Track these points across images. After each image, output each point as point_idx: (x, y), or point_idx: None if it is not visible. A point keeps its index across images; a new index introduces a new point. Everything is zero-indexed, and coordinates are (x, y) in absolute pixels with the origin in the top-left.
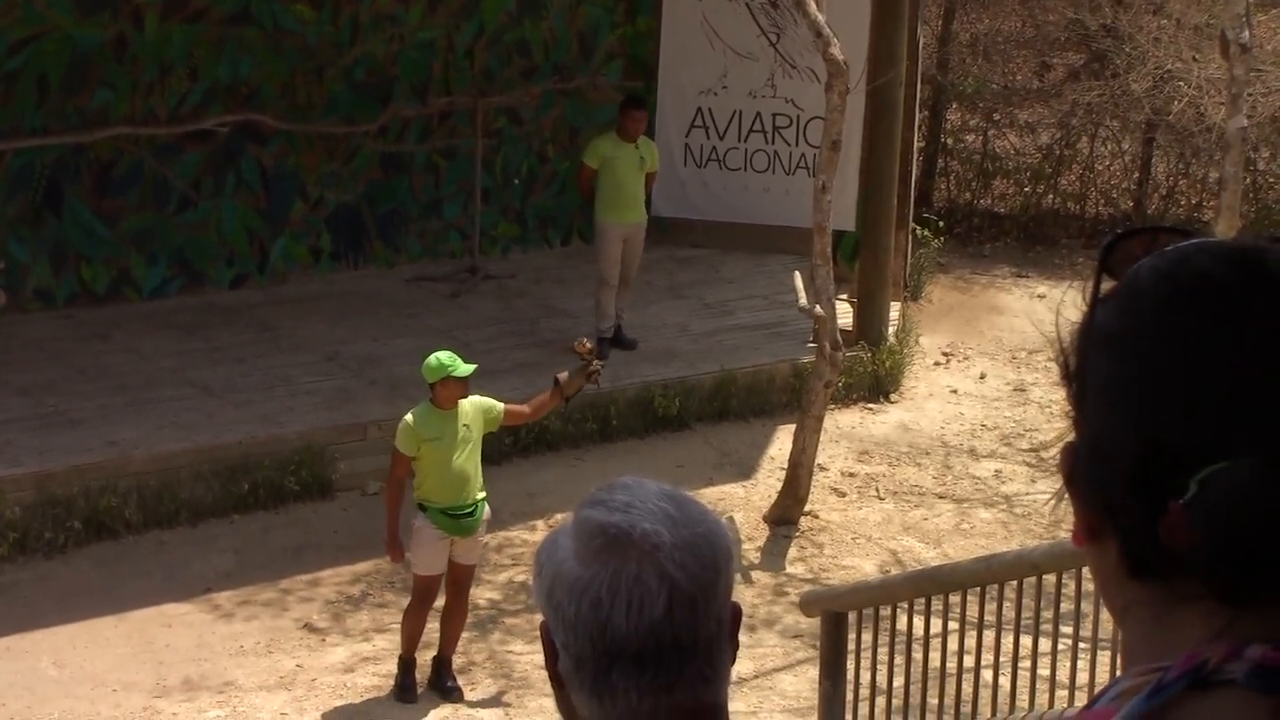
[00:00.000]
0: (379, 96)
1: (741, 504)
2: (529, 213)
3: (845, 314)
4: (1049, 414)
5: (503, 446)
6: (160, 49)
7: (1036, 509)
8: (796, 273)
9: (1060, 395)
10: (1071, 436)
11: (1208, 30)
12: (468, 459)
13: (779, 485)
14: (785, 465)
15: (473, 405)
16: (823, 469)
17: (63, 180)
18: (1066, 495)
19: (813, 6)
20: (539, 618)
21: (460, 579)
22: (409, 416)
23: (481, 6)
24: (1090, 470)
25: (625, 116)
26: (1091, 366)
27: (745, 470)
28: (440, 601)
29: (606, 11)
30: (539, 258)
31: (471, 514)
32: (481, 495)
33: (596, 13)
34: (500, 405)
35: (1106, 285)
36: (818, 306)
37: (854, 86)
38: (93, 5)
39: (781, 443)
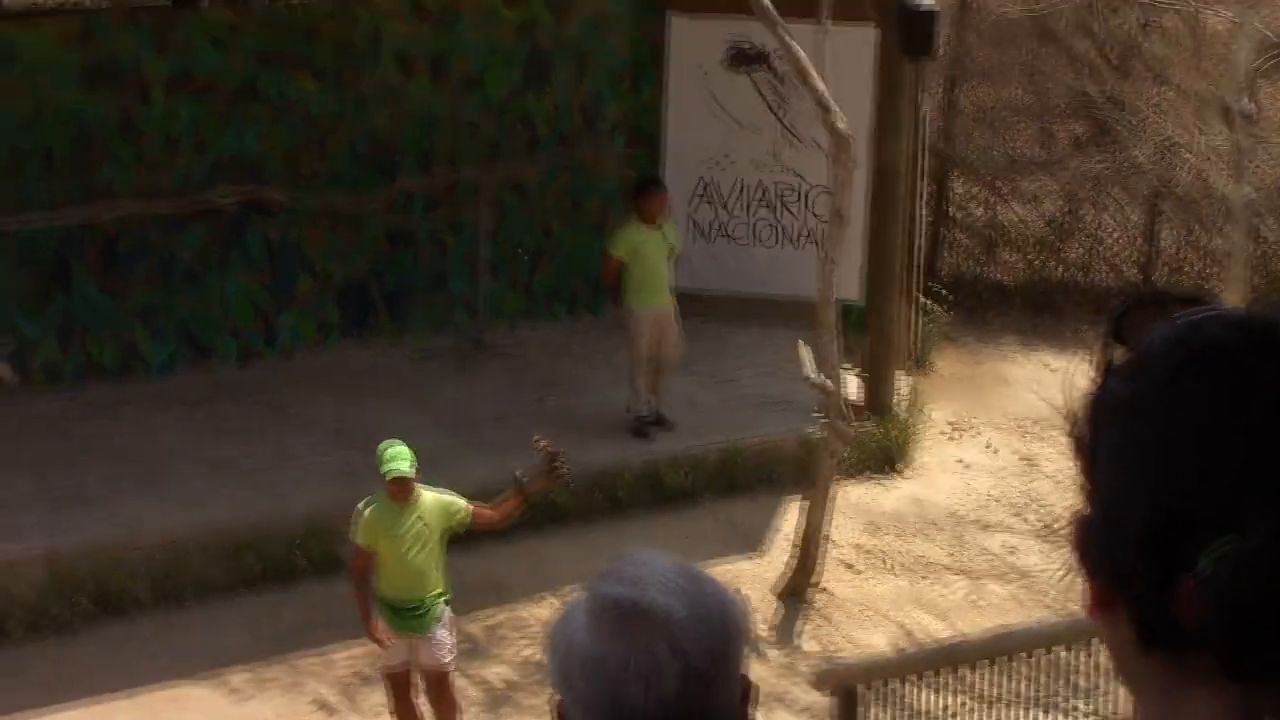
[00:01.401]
0: (384, 170)
1: (751, 578)
2: (535, 286)
3: (853, 386)
4: (1059, 485)
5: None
6: (166, 124)
7: (1049, 582)
8: (803, 345)
9: (1070, 466)
10: (1083, 507)
11: (1211, 99)
12: (423, 556)
13: (789, 559)
14: (795, 539)
15: (436, 502)
16: (832, 542)
17: (70, 256)
18: (1078, 567)
19: (816, 78)
20: (552, 694)
21: (433, 683)
22: (363, 507)
23: (486, 79)
24: (1102, 539)
25: (645, 199)
26: (1103, 435)
27: (754, 544)
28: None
29: (610, 83)
30: (546, 331)
31: (420, 613)
32: (437, 593)
33: (600, 84)
34: (466, 507)
35: (1118, 353)
36: (825, 379)
37: (858, 158)
38: (99, 81)
39: (791, 516)
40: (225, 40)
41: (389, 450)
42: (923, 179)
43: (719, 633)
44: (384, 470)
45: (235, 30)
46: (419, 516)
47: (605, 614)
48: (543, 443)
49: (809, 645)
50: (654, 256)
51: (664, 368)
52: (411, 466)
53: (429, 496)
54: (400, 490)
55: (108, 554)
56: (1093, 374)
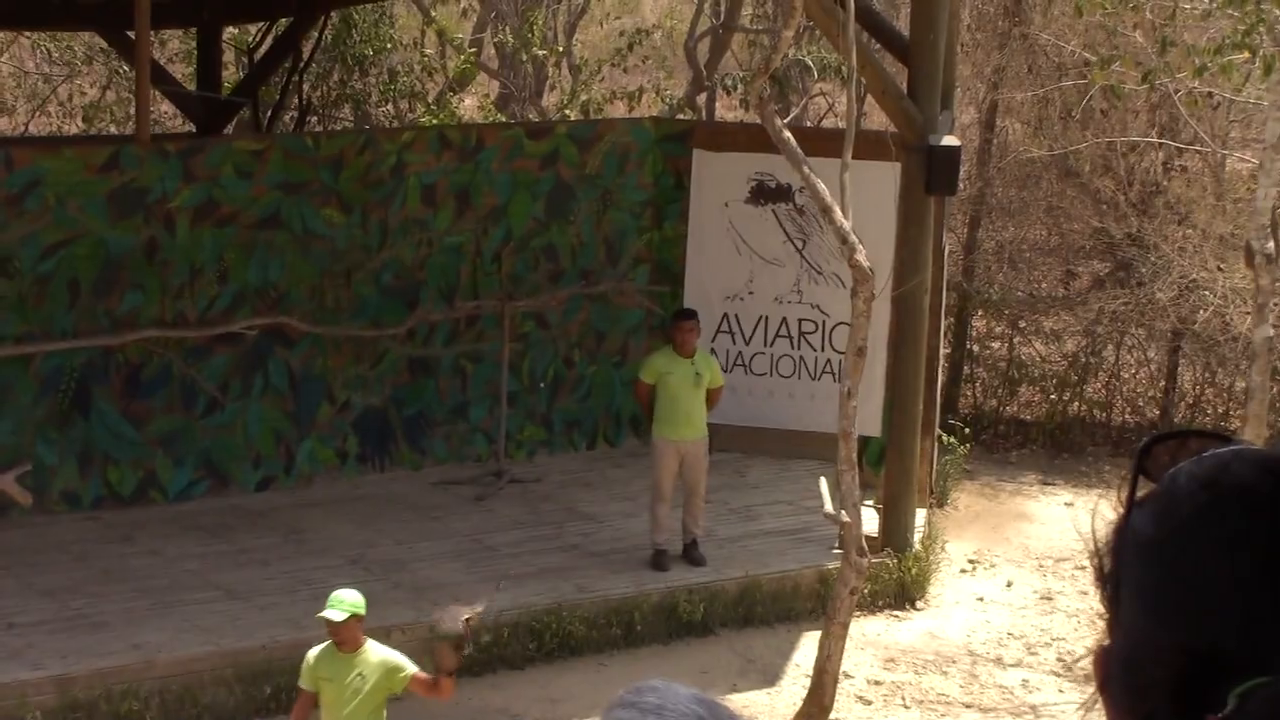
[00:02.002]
0: (407, 300)
1: (766, 711)
2: (555, 416)
3: (871, 520)
4: (1076, 623)
5: (526, 651)
6: (190, 252)
7: (1064, 719)
8: (822, 478)
9: (1090, 603)
10: (1104, 640)
11: (1232, 240)
12: (357, 709)
13: (804, 692)
14: (810, 672)
15: (379, 659)
16: (848, 676)
17: (91, 382)
18: (1099, 702)
19: (839, 214)
20: None
21: None
22: (310, 651)
23: (509, 212)
24: (1125, 678)
25: (675, 329)
26: (1127, 572)
27: (770, 677)
28: None
29: (633, 217)
30: (565, 461)
31: None
32: None
33: (623, 218)
34: (408, 670)
35: (1142, 488)
36: (843, 512)
37: (880, 293)
38: (125, 210)
39: (807, 649)
40: (250, 169)
41: (333, 595)
42: (944, 315)
43: None
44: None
45: (260, 159)
46: (359, 671)
47: None
48: (472, 622)
49: None
50: (677, 386)
51: (691, 496)
52: (347, 611)
53: (375, 653)
54: (334, 635)
55: (121, 679)
56: (1117, 507)
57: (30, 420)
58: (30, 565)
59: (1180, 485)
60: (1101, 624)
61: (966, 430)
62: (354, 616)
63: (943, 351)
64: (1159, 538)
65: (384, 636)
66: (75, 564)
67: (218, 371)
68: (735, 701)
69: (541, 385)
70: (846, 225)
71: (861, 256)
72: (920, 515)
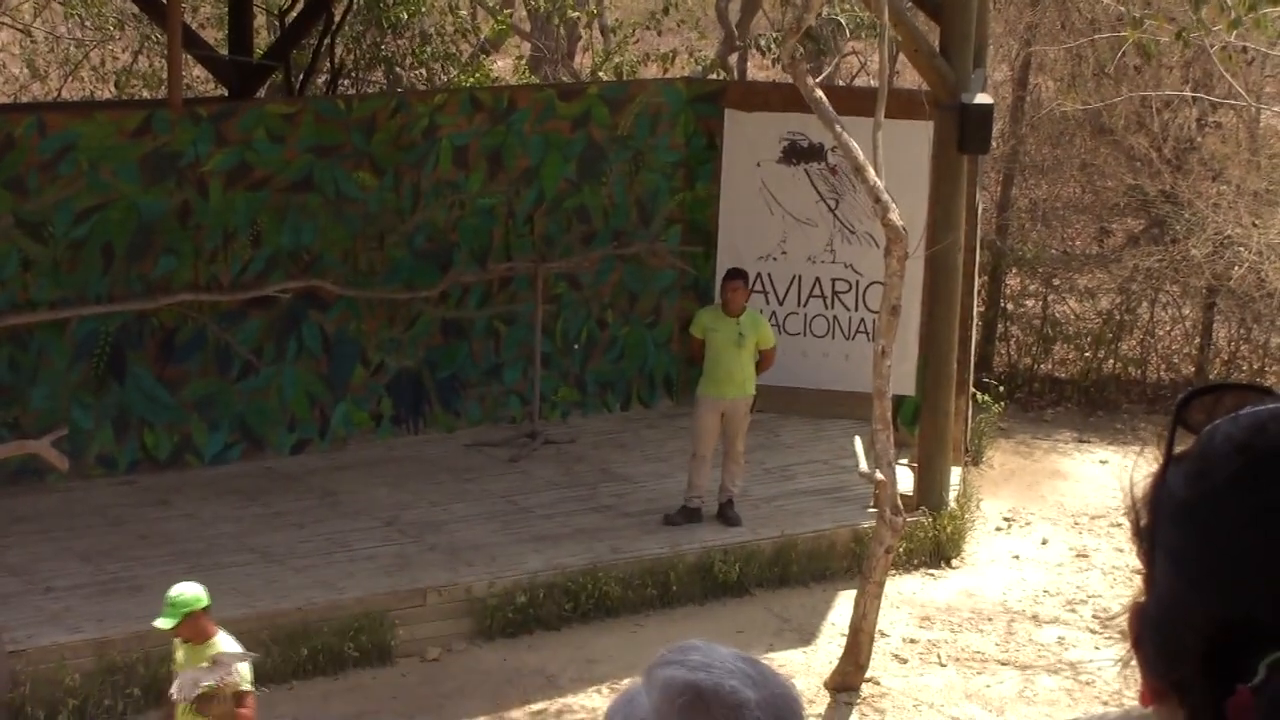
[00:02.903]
0: (440, 263)
1: (802, 670)
2: (588, 378)
3: (906, 479)
4: (1112, 580)
5: (562, 612)
6: (224, 216)
7: (1101, 676)
8: (857, 438)
9: (1124, 561)
10: (1140, 596)
11: (1267, 196)
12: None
13: (840, 651)
14: (846, 631)
15: (214, 654)
16: (884, 635)
17: (126, 347)
18: (1133, 658)
19: (871, 173)
20: None
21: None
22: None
23: (541, 174)
24: (1157, 640)
25: (722, 287)
26: (1162, 534)
27: (806, 636)
28: None
29: (665, 178)
30: (599, 422)
31: None
32: None
33: (655, 179)
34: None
35: (1181, 443)
36: (878, 471)
37: (913, 252)
38: (158, 174)
39: (842, 608)
40: (282, 133)
41: (166, 596)
42: (978, 273)
43: (788, 718)
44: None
45: (293, 123)
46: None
47: (679, 698)
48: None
49: None
50: (719, 345)
51: (728, 455)
52: (175, 617)
53: (220, 647)
54: (185, 629)
55: (158, 642)
56: (1155, 462)
57: (65, 385)
58: (67, 529)
59: (1215, 447)
60: (1138, 580)
61: (1001, 389)
62: (188, 615)
63: (977, 310)
64: (1191, 500)
65: (420, 597)
66: (111, 528)
67: (251, 335)
68: (771, 661)
69: (575, 346)
70: (879, 184)
71: (895, 215)
72: (955, 474)
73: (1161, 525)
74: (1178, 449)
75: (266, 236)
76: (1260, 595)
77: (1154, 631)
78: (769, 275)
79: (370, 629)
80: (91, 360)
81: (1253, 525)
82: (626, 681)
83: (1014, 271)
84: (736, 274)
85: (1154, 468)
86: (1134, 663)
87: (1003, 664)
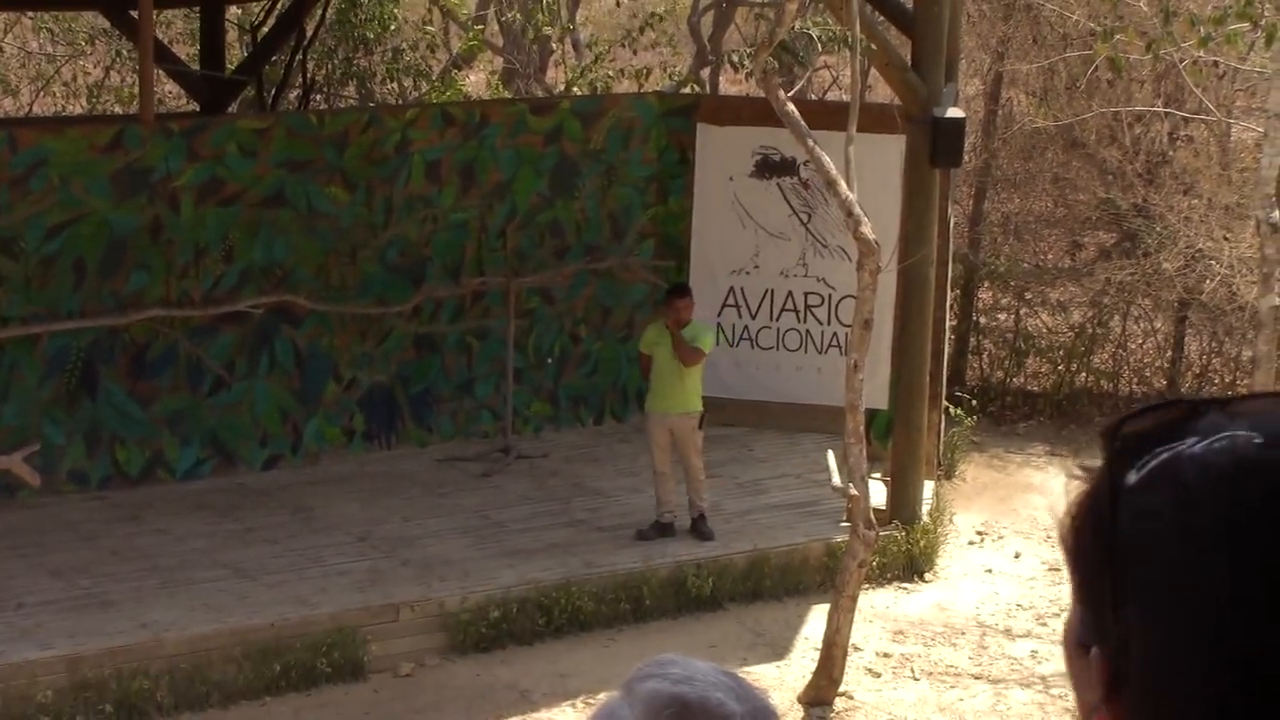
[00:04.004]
0: (412, 278)
1: (776, 684)
2: (561, 392)
3: (879, 493)
4: None
5: (535, 626)
6: (195, 232)
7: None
8: (830, 451)
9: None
10: (1084, 632)
11: (1238, 210)
12: None
13: (813, 665)
14: (819, 645)
15: None
16: (857, 649)
17: (98, 362)
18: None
19: (843, 187)
20: None
21: None
22: None
23: (513, 188)
24: (1151, 690)
25: (665, 304)
26: (1138, 573)
27: (779, 651)
28: None
29: (638, 192)
30: (572, 437)
31: None
32: None
33: (628, 193)
34: None
35: (1129, 474)
36: (851, 485)
37: (885, 265)
38: (129, 189)
39: (815, 623)
40: (254, 148)
41: None
42: (950, 287)
43: None
44: None
45: (264, 138)
46: None
47: (664, 711)
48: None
49: None
50: (662, 360)
51: (686, 472)
52: None
53: None
54: None
55: (130, 658)
56: (1096, 489)
57: (37, 401)
58: (39, 545)
59: (1198, 480)
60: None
61: (974, 402)
62: None
63: (949, 324)
64: (1184, 538)
65: (393, 613)
66: (83, 543)
67: (224, 350)
68: (746, 675)
69: (548, 361)
70: (851, 198)
71: (867, 229)
72: (928, 487)
73: (1135, 565)
74: (1140, 478)
75: (238, 252)
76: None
77: (1144, 683)
78: (742, 289)
79: (343, 644)
80: (63, 376)
81: (1268, 561)
82: (602, 696)
83: (986, 285)
84: (679, 289)
85: (1096, 498)
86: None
87: (975, 678)
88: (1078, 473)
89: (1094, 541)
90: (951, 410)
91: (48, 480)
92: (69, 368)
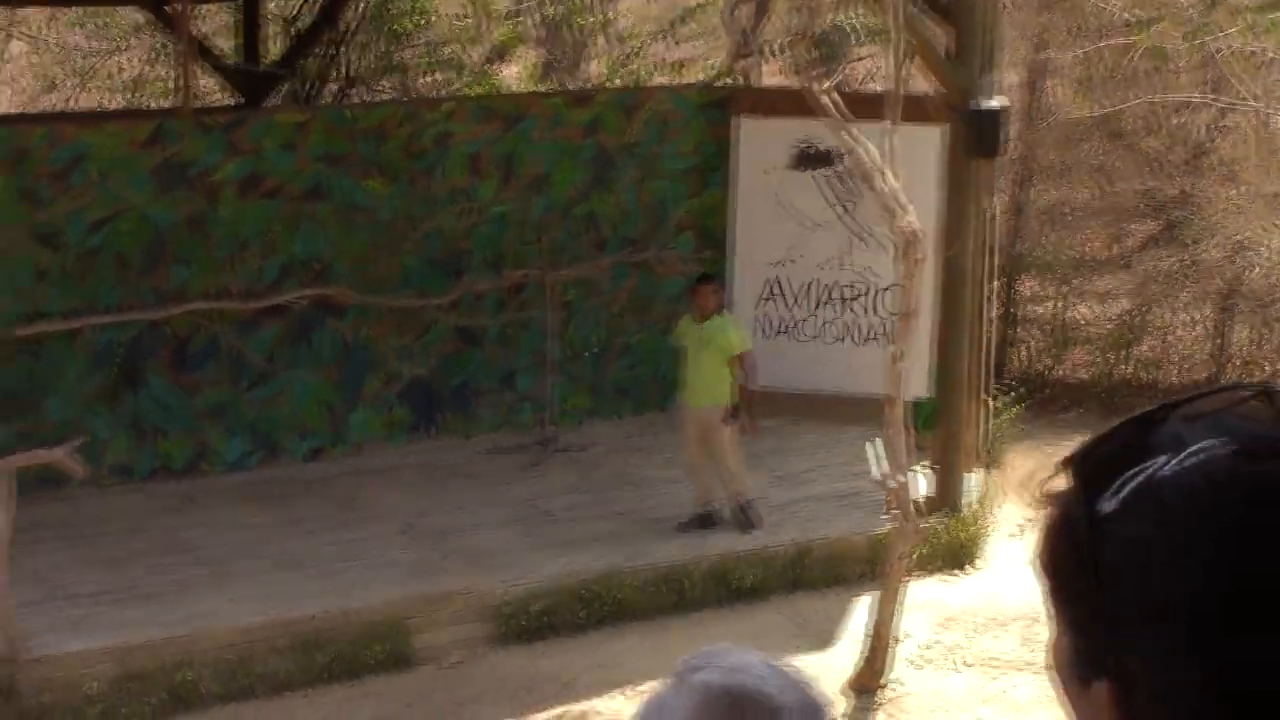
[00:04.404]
0: (452, 270)
1: (821, 675)
2: (602, 384)
3: (922, 484)
4: None
5: (578, 618)
6: (236, 226)
7: None
8: (870, 443)
9: None
10: (1079, 663)
11: None
12: None
13: (858, 656)
14: (864, 636)
15: None
16: (902, 639)
17: (141, 356)
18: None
19: (881, 178)
20: None
21: None
22: None
23: (551, 181)
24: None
25: (690, 293)
26: (1137, 601)
27: (824, 641)
28: None
29: (676, 184)
30: (613, 428)
31: None
32: None
33: (666, 186)
34: None
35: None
36: (892, 477)
37: (926, 256)
38: (169, 184)
39: (859, 613)
40: (293, 142)
41: None
42: (992, 277)
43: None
44: None
45: (303, 132)
46: None
47: (716, 702)
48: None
49: None
50: (686, 350)
51: (715, 464)
52: None
53: None
54: None
55: (177, 649)
56: (1069, 519)
57: (81, 395)
58: (86, 537)
59: (1191, 496)
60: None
61: (1018, 393)
62: None
63: (993, 314)
64: (1189, 554)
65: (438, 603)
66: (130, 535)
67: (265, 343)
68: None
69: (588, 353)
70: (894, 188)
71: (907, 220)
72: (973, 478)
73: (1127, 579)
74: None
75: (279, 245)
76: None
77: (1146, 705)
78: (782, 281)
79: (387, 635)
80: (106, 370)
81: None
82: (649, 686)
83: (1029, 275)
84: (703, 278)
85: (1074, 519)
86: None
87: (1021, 668)
88: (1043, 501)
89: (1077, 572)
90: (995, 400)
91: (93, 473)
92: (112, 362)
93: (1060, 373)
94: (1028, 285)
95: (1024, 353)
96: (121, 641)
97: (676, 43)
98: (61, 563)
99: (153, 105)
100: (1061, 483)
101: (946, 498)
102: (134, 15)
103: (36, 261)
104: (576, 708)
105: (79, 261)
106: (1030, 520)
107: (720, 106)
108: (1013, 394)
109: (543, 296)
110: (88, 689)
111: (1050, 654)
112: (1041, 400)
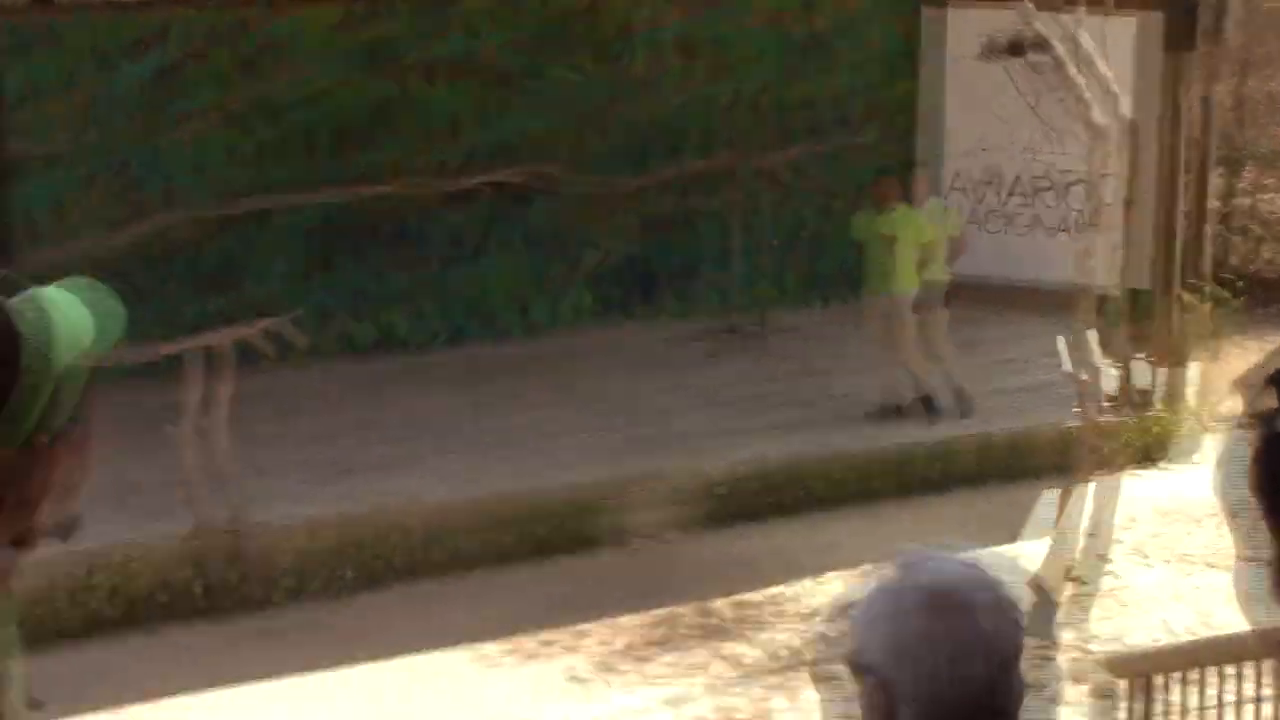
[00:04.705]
0: (644, 156)
1: (1007, 569)
2: (788, 273)
3: (1112, 378)
4: None
5: (763, 504)
6: (433, 107)
7: None
8: (1061, 336)
9: None
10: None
11: None
12: None
13: (1044, 550)
14: (1050, 531)
15: None
16: (1090, 534)
17: (337, 236)
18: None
19: (1088, 68)
20: (833, 671)
21: None
22: None
23: (741, 70)
24: None
25: (871, 186)
26: None
27: (1010, 535)
28: None
29: (865, 75)
30: (799, 318)
31: None
32: None
33: (855, 76)
34: None
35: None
36: (1083, 370)
37: (1119, 148)
38: (364, 66)
39: (1047, 507)
40: (493, 25)
41: None
42: (1212, 168)
43: (1016, 620)
44: None
45: (495, 16)
46: None
47: (931, 601)
48: None
49: (1066, 637)
50: (869, 242)
51: (900, 355)
52: None
53: None
54: None
55: (371, 525)
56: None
57: (276, 274)
58: (282, 413)
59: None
60: None
61: (1237, 284)
62: None
63: (1209, 206)
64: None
65: (629, 486)
66: (324, 413)
67: (462, 226)
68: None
69: (774, 242)
70: (1102, 75)
71: (1099, 113)
72: (1182, 372)
73: None
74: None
75: (478, 127)
76: None
77: None
78: (970, 172)
79: (579, 516)
80: (299, 250)
81: None
82: (839, 580)
83: (1250, 167)
84: (882, 171)
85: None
86: None
87: (1209, 565)
88: (1250, 421)
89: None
90: (1209, 293)
91: (288, 353)
92: (305, 242)
93: (1276, 267)
94: (1249, 176)
95: (1243, 246)
96: (315, 515)
97: None
98: (260, 436)
99: None
100: (1269, 400)
101: (1139, 392)
102: None
103: (233, 143)
104: (764, 593)
105: (277, 143)
106: (1230, 421)
107: None
108: (1225, 288)
109: (731, 184)
110: (281, 561)
111: (1270, 572)
112: (1250, 294)
